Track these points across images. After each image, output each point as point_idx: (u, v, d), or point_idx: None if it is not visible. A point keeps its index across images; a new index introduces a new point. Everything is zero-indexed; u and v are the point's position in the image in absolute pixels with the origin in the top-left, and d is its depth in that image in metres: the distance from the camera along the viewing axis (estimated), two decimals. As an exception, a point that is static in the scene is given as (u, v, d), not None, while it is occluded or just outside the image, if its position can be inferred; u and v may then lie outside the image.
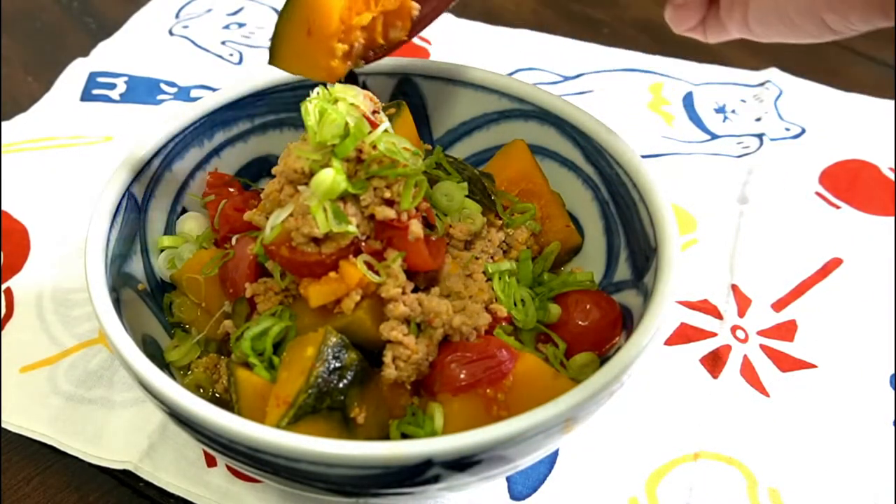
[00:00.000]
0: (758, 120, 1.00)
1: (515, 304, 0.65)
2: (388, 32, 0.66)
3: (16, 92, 1.07)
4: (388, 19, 0.65)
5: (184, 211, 0.74)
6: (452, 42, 1.13)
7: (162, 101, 1.03)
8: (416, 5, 0.66)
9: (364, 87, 0.77)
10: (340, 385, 0.56)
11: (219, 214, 0.69)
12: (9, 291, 0.79)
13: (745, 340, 0.76)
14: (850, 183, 0.93)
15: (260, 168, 0.79)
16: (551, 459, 0.67)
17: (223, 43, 1.13)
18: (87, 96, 1.03)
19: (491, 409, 0.57)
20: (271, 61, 0.64)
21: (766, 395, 0.72)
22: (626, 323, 0.65)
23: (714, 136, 0.99)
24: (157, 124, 0.71)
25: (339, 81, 0.63)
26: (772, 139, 0.97)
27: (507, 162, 0.74)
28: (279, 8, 1.13)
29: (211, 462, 0.67)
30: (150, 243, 0.70)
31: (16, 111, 1.01)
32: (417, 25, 0.67)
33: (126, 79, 1.05)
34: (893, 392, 0.73)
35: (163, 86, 1.05)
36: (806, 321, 0.78)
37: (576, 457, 0.67)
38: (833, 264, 0.83)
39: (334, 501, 0.62)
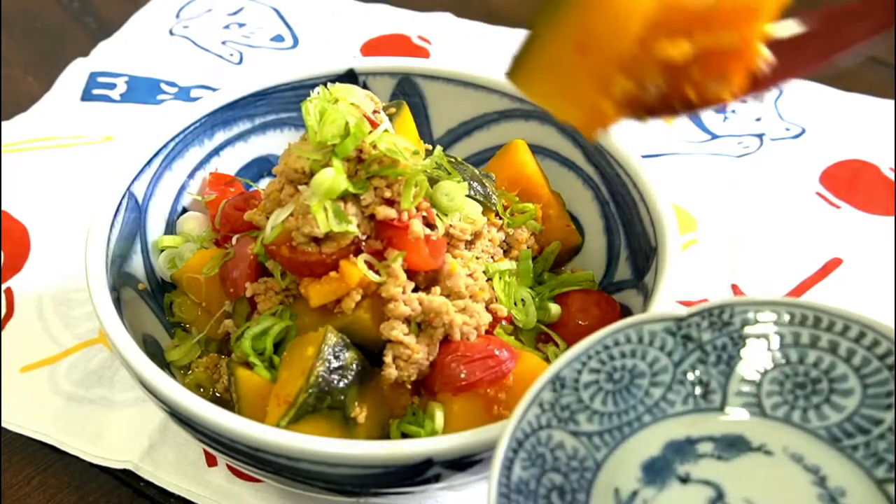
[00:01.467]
0: (758, 120, 1.00)
1: (515, 304, 0.65)
2: (707, 84, 0.42)
3: (16, 92, 1.07)
4: (713, 63, 0.42)
5: (184, 211, 0.74)
6: (452, 42, 1.13)
7: (162, 101, 1.03)
8: (768, 54, 0.43)
9: (364, 87, 0.77)
10: (341, 385, 0.56)
11: (220, 214, 0.69)
12: (9, 291, 0.79)
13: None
14: (850, 183, 0.93)
15: (260, 168, 0.79)
16: (551, 459, 0.67)
17: (223, 43, 1.13)
18: (87, 96, 1.03)
19: (492, 408, 0.57)
20: (510, 75, 0.45)
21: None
22: (627, 323, 0.65)
23: (714, 136, 0.99)
24: (157, 124, 0.71)
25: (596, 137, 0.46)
26: (772, 139, 0.97)
27: (507, 162, 0.74)
28: (279, 8, 1.11)
29: (211, 462, 0.67)
30: (150, 243, 0.70)
31: (16, 111, 1.01)
32: (760, 84, 0.44)
33: (126, 79, 1.05)
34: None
35: (163, 86, 1.05)
36: (806, 321, 0.78)
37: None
38: (833, 264, 0.83)
39: (335, 501, 0.62)
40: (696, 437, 0.46)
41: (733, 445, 0.45)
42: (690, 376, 0.47)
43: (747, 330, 0.47)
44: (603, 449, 0.46)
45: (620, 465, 0.45)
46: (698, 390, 0.47)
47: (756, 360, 0.47)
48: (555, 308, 0.67)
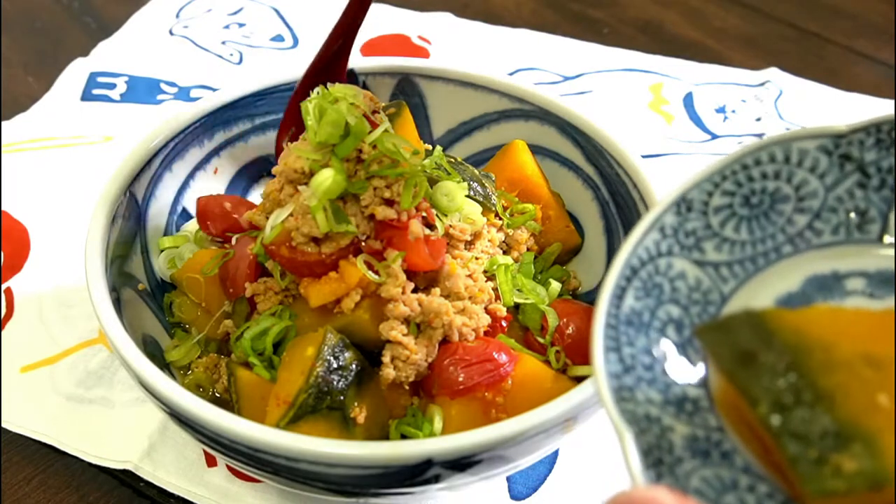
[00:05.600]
0: (758, 120, 1.00)
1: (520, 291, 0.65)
2: None
3: (16, 92, 1.07)
4: None
5: (183, 211, 0.74)
6: (452, 42, 1.13)
7: (162, 101, 1.03)
8: None
9: (364, 87, 0.77)
10: (340, 385, 0.56)
11: (197, 210, 0.70)
12: (9, 291, 0.79)
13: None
14: (850, 183, 0.92)
15: (260, 168, 0.79)
16: (551, 459, 0.67)
17: (223, 43, 1.13)
18: (87, 96, 1.03)
19: (489, 412, 0.57)
20: None
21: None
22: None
23: (714, 136, 0.99)
24: (157, 124, 0.71)
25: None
26: (772, 139, 0.97)
27: (507, 162, 0.74)
28: (279, 8, 1.12)
29: (211, 462, 0.67)
30: (150, 243, 0.70)
31: (16, 111, 1.01)
32: None
33: (126, 79, 1.05)
34: (893, 392, 0.73)
35: (163, 86, 1.05)
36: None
37: (576, 457, 0.67)
38: (833, 264, 0.83)
39: (334, 501, 0.62)
40: (844, 272, 0.40)
41: (890, 283, 0.39)
42: (846, 202, 0.41)
43: None
44: (731, 281, 0.40)
45: (751, 300, 0.39)
46: (853, 218, 0.41)
47: None
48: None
